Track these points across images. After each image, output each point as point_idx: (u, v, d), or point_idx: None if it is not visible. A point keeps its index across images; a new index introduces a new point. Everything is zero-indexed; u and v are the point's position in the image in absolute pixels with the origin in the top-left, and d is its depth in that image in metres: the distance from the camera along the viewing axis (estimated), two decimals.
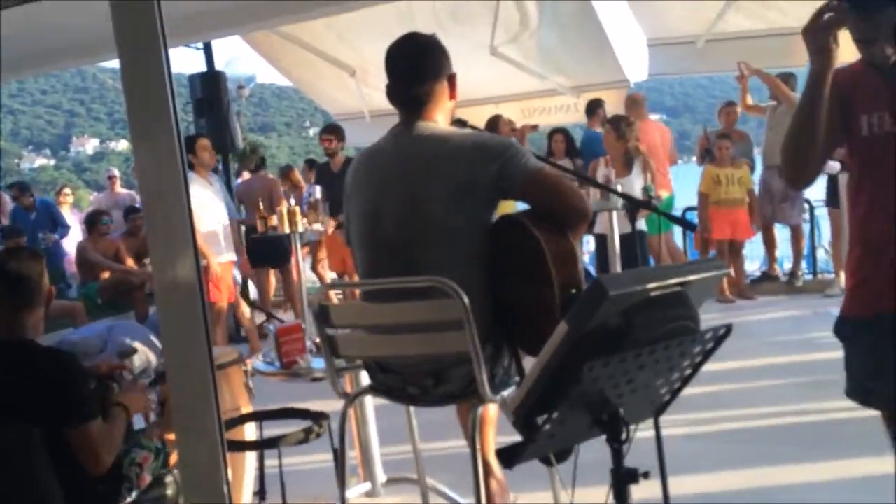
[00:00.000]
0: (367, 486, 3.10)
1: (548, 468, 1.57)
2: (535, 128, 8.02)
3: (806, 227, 7.31)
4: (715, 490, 3.02)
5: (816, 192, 6.87)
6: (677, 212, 7.29)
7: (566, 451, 1.50)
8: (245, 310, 6.30)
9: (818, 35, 1.73)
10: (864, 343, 1.88)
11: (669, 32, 7.18)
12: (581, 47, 7.49)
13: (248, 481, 2.94)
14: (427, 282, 1.97)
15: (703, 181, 6.82)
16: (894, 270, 1.81)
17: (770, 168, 6.81)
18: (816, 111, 1.79)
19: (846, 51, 1.79)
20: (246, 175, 9.03)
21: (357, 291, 2.62)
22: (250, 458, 2.90)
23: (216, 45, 7.43)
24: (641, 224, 5.70)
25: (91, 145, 62.71)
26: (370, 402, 3.13)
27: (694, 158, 7.51)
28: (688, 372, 1.46)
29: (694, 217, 7.07)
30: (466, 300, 1.90)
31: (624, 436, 1.40)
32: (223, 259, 5.50)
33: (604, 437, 1.42)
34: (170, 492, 2.35)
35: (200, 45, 7.28)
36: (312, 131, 52.30)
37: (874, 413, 1.92)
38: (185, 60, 7.36)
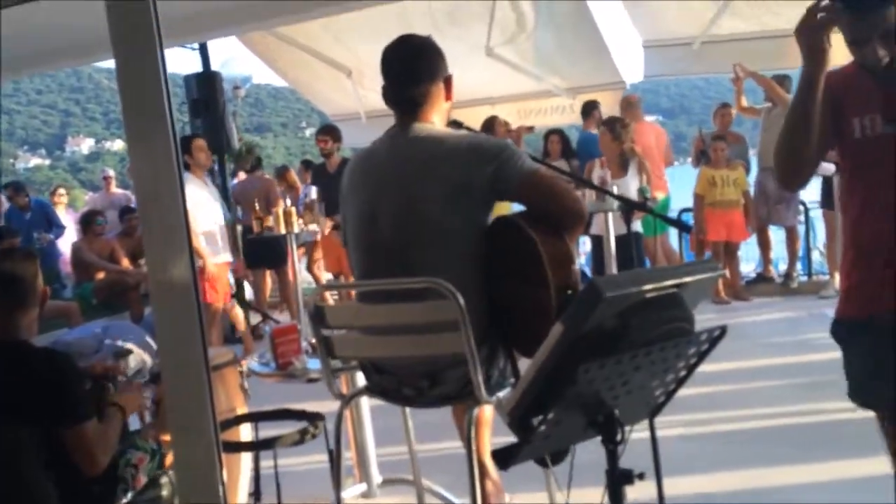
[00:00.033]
0: (363, 487, 3.10)
1: (543, 469, 1.57)
2: (530, 129, 8.03)
3: (801, 229, 7.33)
4: (710, 491, 3.03)
5: (811, 193, 6.90)
6: (673, 213, 7.29)
7: (562, 453, 1.50)
8: (238, 312, 6.28)
9: (811, 35, 1.73)
10: (860, 345, 1.88)
11: (665, 34, 7.20)
12: (577, 49, 7.50)
13: (243, 482, 2.94)
14: (423, 283, 1.97)
15: (699, 183, 6.84)
16: (888, 272, 1.82)
17: (765, 170, 6.83)
18: (810, 112, 1.79)
19: (838, 53, 1.80)
20: (242, 176, 9.03)
21: (353, 292, 2.62)
22: (246, 459, 2.89)
23: (212, 45, 7.42)
24: (637, 226, 5.72)
25: (86, 145, 62.55)
26: (366, 402, 3.12)
27: (689, 160, 7.52)
28: (683, 373, 1.47)
29: (689, 218, 7.08)
30: (462, 301, 1.90)
31: (619, 437, 1.40)
32: (220, 259, 5.50)
33: (599, 438, 1.42)
34: (165, 492, 2.35)
35: (196, 45, 7.26)
36: (308, 132, 52.20)
37: (869, 414, 1.92)
38: (180, 61, 7.35)
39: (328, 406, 2.45)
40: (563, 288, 1.88)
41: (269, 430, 2.65)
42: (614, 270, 5.12)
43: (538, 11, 7.00)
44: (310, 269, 7.73)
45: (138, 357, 2.80)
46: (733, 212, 6.76)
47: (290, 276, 6.86)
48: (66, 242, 8.37)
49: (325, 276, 7.76)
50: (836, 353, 1.96)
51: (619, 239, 5.28)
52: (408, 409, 2.75)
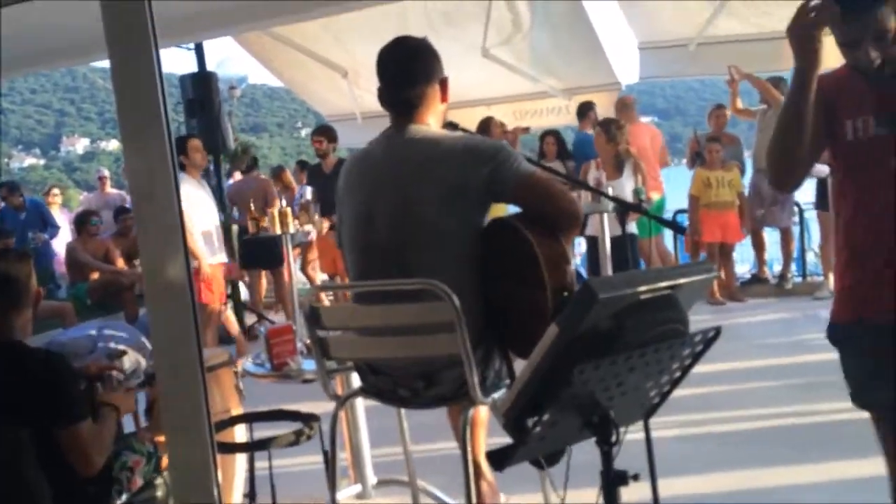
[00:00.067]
0: (358, 487, 3.10)
1: (538, 470, 1.57)
2: (526, 130, 8.04)
3: (796, 230, 7.35)
4: (705, 492, 3.03)
5: (806, 194, 6.92)
6: (668, 214, 7.31)
7: (557, 454, 1.51)
8: (230, 316, 6.25)
9: (802, 34, 1.72)
10: (856, 347, 1.89)
11: (661, 36, 7.21)
12: (572, 50, 7.51)
13: (238, 483, 2.93)
14: (418, 284, 1.97)
15: (694, 184, 6.85)
16: (882, 273, 1.82)
17: (760, 171, 6.84)
18: (802, 111, 1.78)
19: (830, 55, 1.80)
20: (237, 176, 9.01)
21: (348, 293, 2.61)
22: (240, 459, 2.89)
23: (208, 46, 7.42)
24: (632, 227, 5.72)
25: (81, 145, 62.40)
26: (361, 403, 3.12)
27: (685, 161, 7.53)
28: (677, 374, 1.47)
29: (685, 219, 7.10)
30: (457, 303, 1.90)
31: (614, 438, 1.40)
32: (216, 260, 5.49)
33: (594, 439, 1.43)
34: (160, 493, 2.34)
35: (192, 45, 7.24)
36: (304, 132, 52.15)
37: (865, 415, 1.93)
38: (176, 61, 7.33)
39: (323, 406, 2.45)
40: (560, 289, 1.88)
41: (264, 431, 2.65)
42: (610, 271, 5.12)
43: (534, 12, 7.01)
44: (304, 269, 7.73)
45: (133, 358, 2.79)
46: (728, 213, 6.77)
47: (286, 277, 6.86)
48: (60, 242, 8.35)
49: (320, 277, 7.76)
50: (831, 355, 1.96)
51: (614, 240, 5.29)
52: (403, 410, 2.75)
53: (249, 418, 2.81)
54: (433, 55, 2.21)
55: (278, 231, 5.52)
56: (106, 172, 10.15)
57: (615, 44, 9.42)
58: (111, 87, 1.50)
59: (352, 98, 8.15)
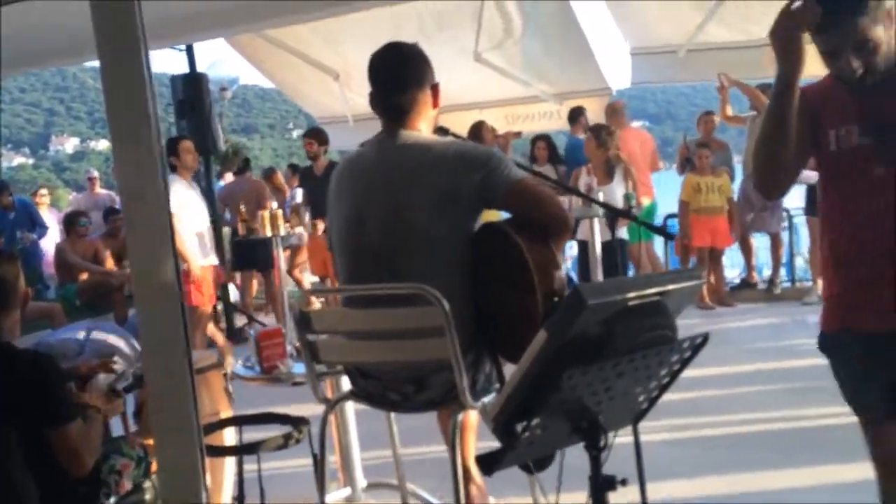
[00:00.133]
0: (348, 490, 3.09)
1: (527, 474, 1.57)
2: (518, 135, 8.07)
3: (785, 235, 7.39)
4: (693, 496, 3.04)
5: (795, 200, 6.95)
6: (659, 218, 7.34)
7: (546, 459, 1.51)
8: (217, 332, 6.19)
9: (785, 36, 1.73)
10: (845, 356, 1.90)
11: (651, 42, 7.24)
12: (564, 55, 7.53)
13: (227, 486, 2.92)
14: (409, 289, 1.97)
15: (684, 189, 6.89)
16: (867, 282, 1.84)
17: (750, 177, 6.88)
18: (786, 115, 1.78)
19: (814, 62, 1.80)
20: (229, 177, 8.99)
21: (338, 297, 2.61)
22: (229, 462, 2.88)
23: (199, 47, 7.40)
24: (622, 232, 5.74)
25: (71, 144, 62.10)
26: (351, 406, 3.11)
27: (675, 166, 7.57)
28: (665, 380, 1.47)
29: (675, 224, 7.13)
30: (447, 307, 1.90)
31: (602, 443, 1.40)
32: (207, 262, 5.46)
33: (583, 444, 1.43)
34: (148, 497, 2.34)
35: (183, 46, 7.22)
36: (296, 133, 52.04)
37: (852, 419, 1.94)
38: (167, 61, 7.30)
39: (313, 409, 2.44)
40: (550, 294, 1.89)
41: (253, 434, 2.64)
42: (600, 276, 5.13)
43: (526, 18, 7.03)
44: (290, 272, 7.70)
45: (122, 359, 2.77)
46: (718, 218, 6.81)
47: (276, 280, 6.84)
48: (49, 243, 8.30)
49: (308, 279, 7.75)
50: (819, 360, 1.98)
51: (604, 245, 5.30)
52: (392, 413, 2.75)
53: (238, 421, 2.80)
54: (424, 61, 2.21)
55: (269, 233, 5.50)
56: (95, 173, 10.11)
57: (606, 49, 9.45)
58: (101, 87, 1.50)
59: (343, 101, 8.14)
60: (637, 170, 6.20)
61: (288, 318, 5.25)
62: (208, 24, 3.44)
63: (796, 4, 1.71)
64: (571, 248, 7.11)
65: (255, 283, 8.08)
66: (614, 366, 1.32)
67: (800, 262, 7.73)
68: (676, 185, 7.16)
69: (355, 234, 2.15)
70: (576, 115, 7.41)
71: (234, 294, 7.99)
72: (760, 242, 7.38)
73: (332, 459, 3.11)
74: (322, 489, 2.37)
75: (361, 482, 3.12)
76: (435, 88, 2.21)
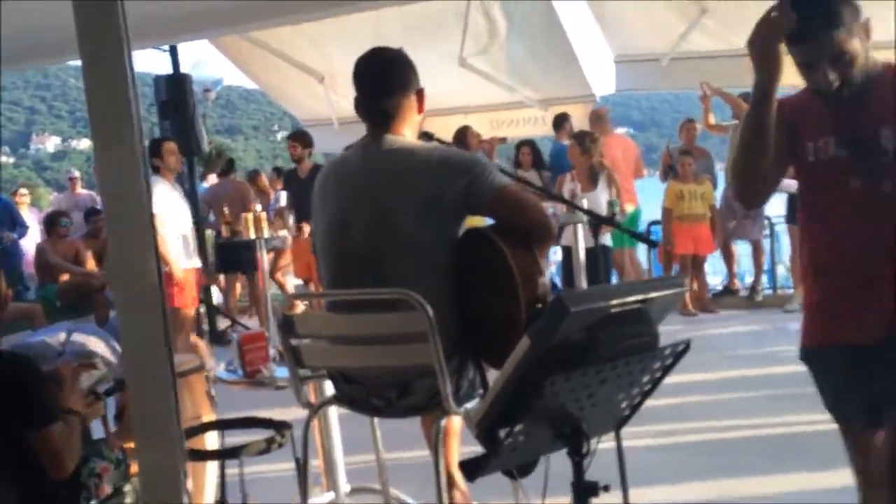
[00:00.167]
0: (331, 495, 3.07)
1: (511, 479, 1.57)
2: (503, 140, 8.09)
3: (767, 243, 7.45)
4: (676, 501, 3.06)
5: (777, 208, 7.02)
6: (643, 225, 7.38)
7: (530, 465, 1.51)
8: (203, 347, 6.13)
9: (763, 45, 1.74)
10: (825, 368, 1.92)
11: (636, 50, 7.29)
12: (549, 61, 7.56)
13: (209, 490, 2.90)
14: (393, 294, 1.97)
15: (667, 197, 6.94)
16: (844, 291, 1.85)
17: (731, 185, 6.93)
18: (764, 123, 1.80)
19: (792, 72, 1.81)
20: (213, 179, 8.94)
21: (322, 301, 2.60)
22: (212, 466, 2.86)
23: (183, 47, 7.32)
24: (606, 238, 5.77)
25: (52, 143, 61.51)
26: (334, 410, 3.10)
27: (658, 173, 7.62)
28: (648, 387, 1.48)
29: (659, 231, 7.17)
30: (431, 313, 1.90)
31: (585, 449, 1.41)
32: (190, 264, 5.43)
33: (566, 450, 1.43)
34: (129, 500, 2.31)
35: (167, 46, 7.17)
36: (280, 135, 51.84)
37: (832, 426, 1.96)
38: (150, 61, 7.22)
39: (296, 412, 2.43)
40: (533, 300, 1.89)
41: (235, 438, 2.62)
42: (584, 281, 5.15)
43: (511, 23, 7.05)
44: (272, 275, 7.66)
45: (103, 361, 2.74)
46: (700, 225, 6.87)
47: (260, 283, 6.81)
48: (29, 243, 8.22)
49: (291, 282, 7.72)
50: (800, 367, 1.99)
51: (588, 251, 5.32)
52: (376, 418, 2.74)
53: (221, 425, 2.78)
54: (410, 66, 2.21)
55: (252, 235, 5.47)
56: (76, 173, 10.03)
57: (591, 56, 9.50)
58: (83, 87, 1.48)
59: (328, 103, 8.13)
60: (621, 176, 6.23)
61: (271, 322, 5.22)
62: (192, 26, 3.42)
63: (773, 14, 1.72)
64: (556, 254, 7.14)
65: (238, 286, 8.03)
66: (597, 372, 1.33)
67: (781, 270, 7.80)
68: (660, 191, 7.21)
69: (340, 238, 2.15)
70: (561, 121, 7.44)
71: (217, 297, 7.94)
72: (742, 250, 7.44)
73: (316, 464, 3.10)
74: (305, 494, 2.35)
75: (345, 487, 3.11)
76: (420, 94, 2.21)
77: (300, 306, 3.22)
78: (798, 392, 2.01)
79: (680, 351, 1.42)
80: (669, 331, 1.40)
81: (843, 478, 2.03)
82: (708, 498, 3.08)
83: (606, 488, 1.44)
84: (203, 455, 2.73)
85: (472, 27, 6.98)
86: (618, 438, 1.55)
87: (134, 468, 2.34)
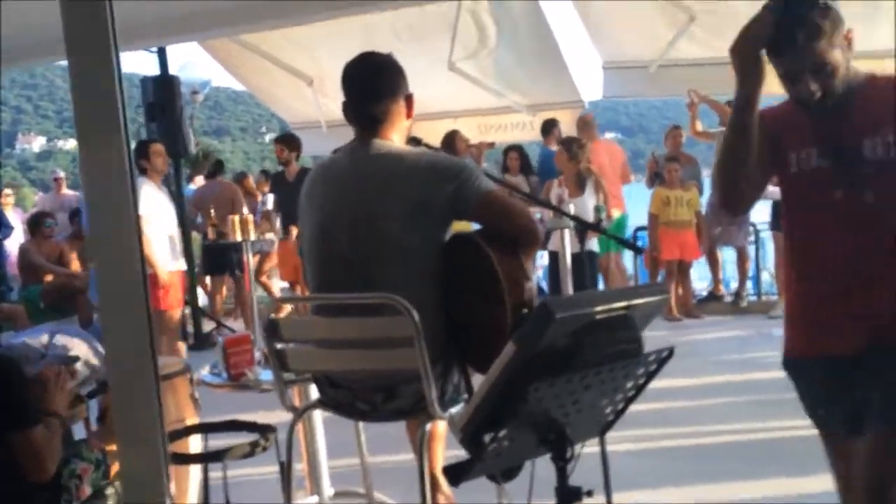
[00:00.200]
0: (315, 499, 3.06)
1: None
2: (491, 145, 8.11)
3: (752, 250, 7.50)
4: None
5: (762, 215, 7.07)
6: (629, 230, 7.42)
7: (514, 469, 1.51)
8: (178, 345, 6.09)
9: (745, 53, 1.75)
10: (808, 378, 1.94)
11: (624, 56, 7.33)
12: (537, 67, 7.60)
13: (192, 493, 2.88)
14: (379, 298, 1.97)
15: (653, 203, 6.98)
16: (826, 300, 1.87)
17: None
18: (747, 130, 1.81)
19: (774, 81, 1.83)
20: (199, 181, 8.90)
21: (308, 305, 2.60)
22: (195, 469, 2.84)
23: (171, 49, 7.29)
24: (593, 244, 5.80)
25: (38, 143, 60.99)
26: (319, 414, 3.09)
27: (644, 179, 7.66)
28: (632, 393, 1.49)
29: (645, 236, 7.21)
30: (417, 317, 1.90)
31: (569, 454, 1.41)
32: (176, 266, 5.40)
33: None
34: (111, 503, 2.29)
35: (155, 48, 7.14)
36: (268, 137, 51.64)
37: (814, 432, 1.98)
38: (138, 62, 7.19)
39: (280, 416, 2.42)
40: (519, 305, 1.90)
41: (219, 441, 2.61)
42: (570, 286, 5.17)
43: (500, 29, 7.07)
44: (257, 278, 7.63)
45: (86, 363, 2.72)
46: (686, 231, 6.91)
47: (246, 285, 6.79)
48: (13, 243, 8.15)
49: (276, 285, 7.70)
50: (783, 373, 2.00)
51: (574, 256, 5.34)
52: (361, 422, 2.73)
53: (204, 429, 2.77)
54: (398, 71, 2.21)
55: (239, 238, 5.46)
56: (62, 174, 9.96)
57: (579, 62, 9.54)
58: (70, 86, 1.47)
59: (317, 106, 8.12)
60: (608, 182, 6.26)
61: (257, 325, 5.21)
62: (181, 28, 3.41)
63: (755, 23, 1.74)
64: (542, 258, 7.16)
65: (224, 288, 8.00)
66: (581, 378, 1.33)
67: (766, 276, 7.86)
68: (647, 197, 7.25)
69: (326, 242, 2.15)
70: (549, 126, 7.47)
71: (203, 299, 7.90)
72: (727, 256, 7.49)
73: (300, 467, 3.09)
74: (289, 497, 2.35)
75: (329, 490, 3.10)
76: (409, 99, 2.22)
77: (287, 309, 3.21)
78: (781, 398, 2.02)
79: (664, 357, 1.43)
80: (654, 336, 1.41)
81: (826, 483, 2.05)
82: (689, 502, 3.10)
83: (590, 493, 1.45)
84: (186, 458, 2.71)
85: (462, 32, 7.00)
86: (602, 444, 1.55)
87: (114, 469, 2.33)
